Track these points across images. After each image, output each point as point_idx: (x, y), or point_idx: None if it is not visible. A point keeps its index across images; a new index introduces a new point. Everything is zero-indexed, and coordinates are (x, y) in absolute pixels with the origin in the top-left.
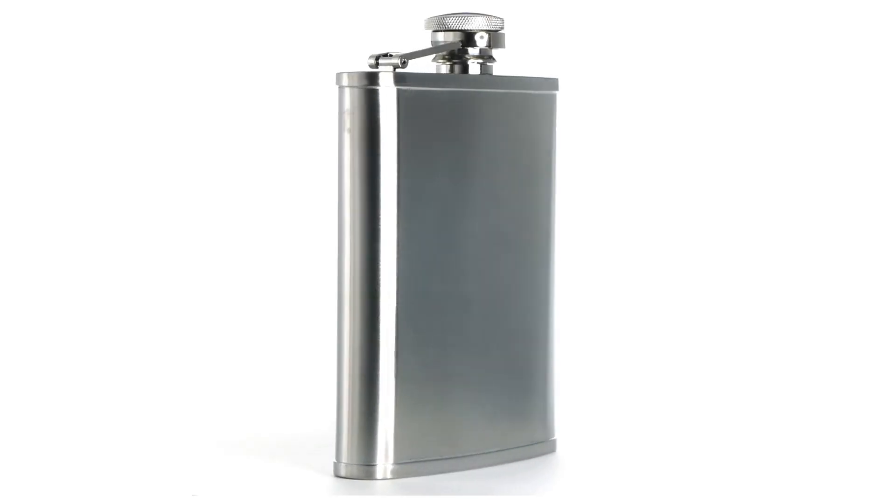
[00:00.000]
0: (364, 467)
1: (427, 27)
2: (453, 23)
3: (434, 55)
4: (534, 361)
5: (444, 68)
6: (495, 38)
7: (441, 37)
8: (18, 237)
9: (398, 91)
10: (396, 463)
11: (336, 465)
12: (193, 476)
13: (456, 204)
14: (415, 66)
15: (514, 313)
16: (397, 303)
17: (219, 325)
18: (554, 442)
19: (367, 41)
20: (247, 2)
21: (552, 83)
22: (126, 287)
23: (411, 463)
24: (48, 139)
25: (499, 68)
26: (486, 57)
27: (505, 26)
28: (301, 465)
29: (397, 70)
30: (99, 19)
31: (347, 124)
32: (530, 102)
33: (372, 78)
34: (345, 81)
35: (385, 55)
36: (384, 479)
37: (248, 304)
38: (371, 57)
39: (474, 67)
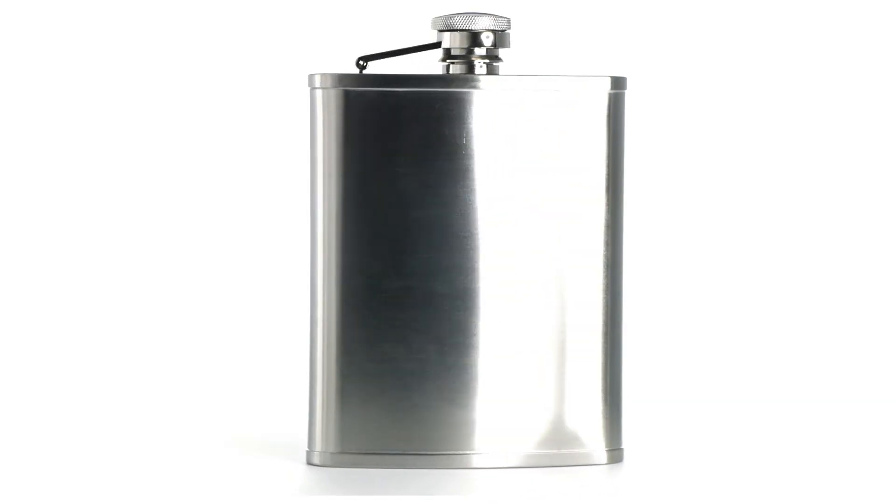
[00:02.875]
0: (336, 455)
1: (433, 27)
2: (459, 22)
3: (441, 56)
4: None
5: (451, 69)
6: (501, 37)
7: (447, 37)
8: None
9: (361, 93)
10: (368, 452)
11: (308, 454)
12: (166, 470)
13: (448, 202)
14: (418, 68)
15: (537, 314)
16: (370, 294)
17: (187, 322)
18: (613, 453)
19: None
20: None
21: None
22: (102, 288)
23: (384, 454)
24: (25, 140)
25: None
26: (491, 57)
27: (511, 26)
28: (273, 454)
29: (364, 71)
30: (74, 23)
31: None
32: (534, 101)
33: (342, 80)
34: (317, 83)
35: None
36: (356, 467)
37: (217, 300)
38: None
39: (480, 67)
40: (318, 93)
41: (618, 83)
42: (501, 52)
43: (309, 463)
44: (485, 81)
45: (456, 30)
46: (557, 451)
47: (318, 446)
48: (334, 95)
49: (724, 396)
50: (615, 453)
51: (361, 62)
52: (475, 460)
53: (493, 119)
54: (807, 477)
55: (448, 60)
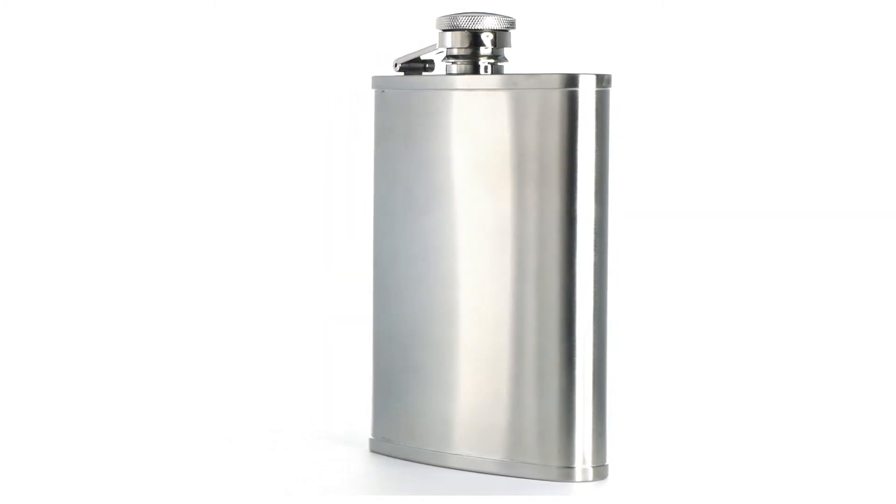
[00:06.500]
0: (400, 445)
1: (437, 27)
2: (464, 22)
3: (444, 56)
4: (543, 375)
5: (454, 68)
6: (501, 37)
7: (449, 36)
8: (35, 237)
9: (399, 94)
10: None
11: (372, 442)
12: (243, 451)
13: (447, 203)
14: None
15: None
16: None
17: (250, 315)
18: (598, 469)
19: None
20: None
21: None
22: (163, 279)
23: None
24: (62, 141)
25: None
26: (496, 57)
27: (515, 25)
28: (337, 440)
29: (423, 73)
30: (136, 25)
31: None
32: (540, 100)
33: (401, 81)
34: (380, 85)
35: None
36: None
37: (286, 291)
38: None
39: (485, 68)
40: (385, 94)
41: (602, 81)
42: (506, 52)
43: (372, 451)
44: (470, 81)
45: (457, 29)
46: (542, 464)
47: (381, 435)
48: (397, 97)
49: (712, 407)
50: (600, 469)
51: (399, 66)
52: (457, 462)
53: (478, 118)
54: (800, 491)
55: (449, 60)
